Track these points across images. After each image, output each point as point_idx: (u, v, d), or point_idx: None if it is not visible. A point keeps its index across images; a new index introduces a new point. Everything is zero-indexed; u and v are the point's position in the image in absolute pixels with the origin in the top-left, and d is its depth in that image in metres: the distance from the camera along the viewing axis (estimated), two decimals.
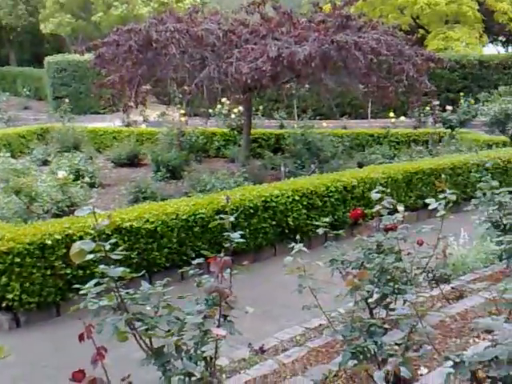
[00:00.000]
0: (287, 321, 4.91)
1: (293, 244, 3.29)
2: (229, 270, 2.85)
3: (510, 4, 26.82)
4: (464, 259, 5.87)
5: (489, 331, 3.09)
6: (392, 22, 21.26)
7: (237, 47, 10.21)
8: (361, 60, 9.63)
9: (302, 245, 3.24)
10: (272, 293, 5.84)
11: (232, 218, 2.97)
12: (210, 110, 15.25)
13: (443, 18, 27.28)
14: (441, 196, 4.13)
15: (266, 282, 6.18)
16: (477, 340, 3.62)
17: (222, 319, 2.74)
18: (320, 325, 4.39)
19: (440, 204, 4.08)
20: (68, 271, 5.69)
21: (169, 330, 2.66)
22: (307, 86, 14.21)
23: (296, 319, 4.71)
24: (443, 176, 6.71)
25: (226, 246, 2.95)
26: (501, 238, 4.82)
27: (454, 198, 4.04)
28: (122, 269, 2.59)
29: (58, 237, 5.65)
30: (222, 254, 2.82)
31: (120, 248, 2.73)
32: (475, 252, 6.00)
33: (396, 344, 2.74)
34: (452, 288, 4.80)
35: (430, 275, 4.79)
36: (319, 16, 10.96)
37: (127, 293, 2.66)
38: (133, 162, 13.25)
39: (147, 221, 6.37)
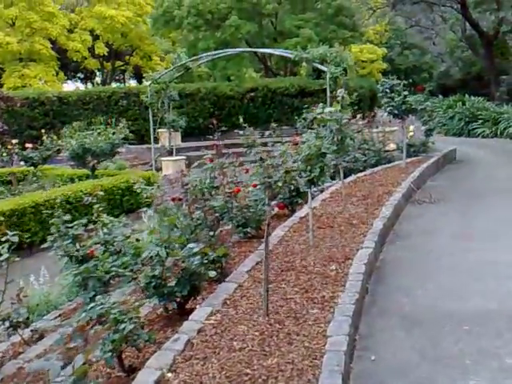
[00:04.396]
0: None
1: None
2: None
3: (81, 43, 28.38)
4: (47, 297, 5.81)
5: None
6: None
7: None
8: None
9: None
10: None
11: None
12: None
13: (17, 55, 26.95)
14: (3, 239, 3.97)
15: None
16: None
17: None
18: None
19: (3, 247, 3.91)
20: None
21: None
22: None
23: None
24: (1, 218, 6.55)
25: None
26: (75, 271, 4.94)
27: (16, 239, 3.93)
28: None
29: None
30: None
31: None
32: (59, 288, 6.00)
33: None
34: (32, 331, 4.66)
35: (7, 323, 4.57)
36: None
37: None
38: None
39: None
